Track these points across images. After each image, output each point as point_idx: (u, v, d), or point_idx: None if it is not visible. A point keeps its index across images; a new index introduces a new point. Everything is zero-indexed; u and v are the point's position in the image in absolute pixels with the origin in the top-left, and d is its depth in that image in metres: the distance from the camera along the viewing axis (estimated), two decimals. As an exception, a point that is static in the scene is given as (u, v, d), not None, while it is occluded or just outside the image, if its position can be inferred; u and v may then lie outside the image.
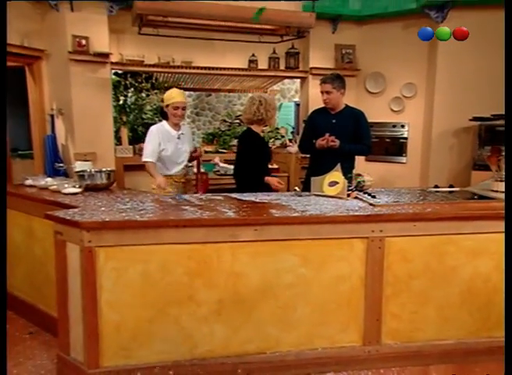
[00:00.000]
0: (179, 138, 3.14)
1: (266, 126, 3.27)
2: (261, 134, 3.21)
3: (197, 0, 3.72)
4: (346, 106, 3.40)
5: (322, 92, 3.27)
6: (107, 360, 2.01)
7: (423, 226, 2.18)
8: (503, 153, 2.78)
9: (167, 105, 3.07)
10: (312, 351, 2.17)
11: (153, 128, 3.13)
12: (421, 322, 2.25)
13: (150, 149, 3.01)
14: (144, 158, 3.03)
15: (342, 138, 3.21)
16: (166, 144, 3.07)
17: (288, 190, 3.71)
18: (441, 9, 4.66)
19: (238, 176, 3.20)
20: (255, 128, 3.16)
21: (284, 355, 2.15)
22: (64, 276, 2.06)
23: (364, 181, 2.71)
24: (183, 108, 3.10)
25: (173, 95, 3.06)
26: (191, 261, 2.03)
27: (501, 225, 2.19)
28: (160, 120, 3.31)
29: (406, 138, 5.36)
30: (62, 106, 4.66)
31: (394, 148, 5.46)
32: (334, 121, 3.31)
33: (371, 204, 2.33)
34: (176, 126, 3.14)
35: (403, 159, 5.41)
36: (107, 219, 1.97)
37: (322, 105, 3.44)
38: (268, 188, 3.04)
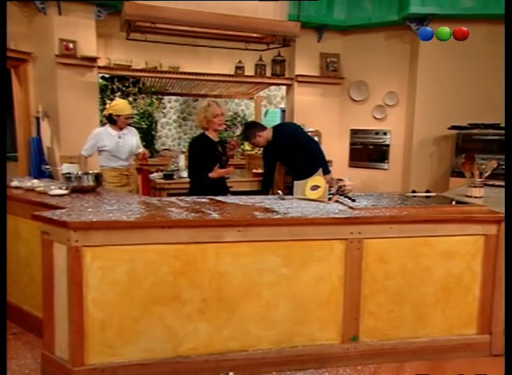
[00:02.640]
0: (119, 138, 3.76)
1: (218, 131, 3.36)
2: (215, 139, 3.31)
3: (187, 0, 3.79)
4: (274, 129, 3.79)
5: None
6: (92, 358, 2.04)
7: (399, 228, 2.28)
8: (476, 160, 2.93)
9: (118, 115, 3.72)
10: (292, 349, 2.24)
11: (95, 130, 3.83)
12: (397, 320, 2.34)
13: (86, 146, 3.73)
14: (81, 152, 3.75)
15: (292, 157, 3.72)
16: (106, 141, 3.70)
17: (272, 193, 3.80)
18: (421, 22, 4.84)
19: (190, 178, 3.38)
20: (208, 133, 3.28)
21: (265, 352, 2.21)
22: (50, 275, 2.09)
23: (344, 186, 2.81)
24: (131, 118, 4.03)
25: (126, 108, 3.80)
26: (176, 261, 2.08)
27: (472, 228, 2.34)
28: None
29: (388, 145, 5.53)
30: (48, 109, 4.68)
31: (377, 154, 5.62)
32: (276, 148, 3.76)
33: (350, 207, 2.42)
34: (120, 128, 3.80)
35: (386, 166, 5.58)
36: (94, 220, 2.02)
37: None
38: (216, 191, 3.06)
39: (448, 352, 2.36)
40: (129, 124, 3.89)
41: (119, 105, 3.81)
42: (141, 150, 3.99)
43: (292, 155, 3.74)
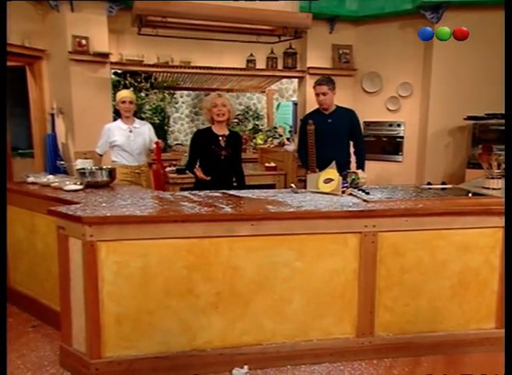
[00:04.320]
0: (130, 132, 3.64)
1: (220, 123, 3.24)
2: (219, 132, 3.23)
3: (197, 0, 3.78)
4: (338, 106, 3.56)
5: (318, 94, 3.44)
6: (108, 351, 2.07)
7: (415, 221, 2.24)
8: (494, 151, 2.86)
9: (117, 103, 3.65)
10: (307, 343, 2.24)
11: (106, 125, 3.71)
12: (413, 314, 2.31)
13: (99, 143, 3.68)
14: (95, 149, 3.72)
15: (338, 137, 3.46)
16: (116, 136, 3.60)
17: (285, 187, 3.77)
18: (436, 10, 4.73)
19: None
20: (214, 126, 3.27)
21: (280, 346, 2.21)
22: (66, 269, 2.12)
23: (358, 178, 2.78)
24: (130, 102, 3.66)
25: (120, 93, 3.71)
26: (190, 255, 2.09)
27: (490, 220, 2.29)
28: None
29: (402, 137, 5.44)
30: (62, 105, 4.72)
31: (391, 146, 5.53)
32: (330, 121, 3.47)
33: (364, 200, 2.39)
34: (128, 119, 3.67)
35: (400, 158, 5.49)
36: (108, 214, 2.03)
37: (315, 108, 3.62)
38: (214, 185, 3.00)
39: (465, 347, 2.33)
40: (141, 118, 3.83)
41: (117, 94, 3.75)
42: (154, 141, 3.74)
43: (331, 140, 3.39)
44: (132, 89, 6.57)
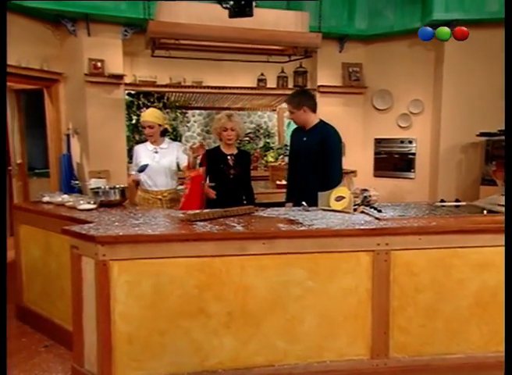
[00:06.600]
0: (156, 152, 3.41)
1: (229, 144, 3.31)
2: (228, 152, 3.29)
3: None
4: (320, 122, 3.17)
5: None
6: (119, 372, 2.05)
7: (428, 239, 2.21)
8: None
9: (143, 127, 3.46)
10: (320, 364, 2.19)
11: (135, 146, 3.64)
12: (429, 336, 2.25)
13: (132, 165, 3.57)
14: (131, 172, 3.63)
15: (308, 157, 3.12)
16: (142, 157, 3.41)
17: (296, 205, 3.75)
18: (445, 28, 4.75)
19: None
20: (222, 145, 3.36)
21: (292, 367, 2.17)
22: (79, 288, 2.13)
23: (370, 196, 2.76)
24: (150, 127, 3.35)
25: (143, 115, 3.49)
26: (201, 274, 2.08)
27: (506, 238, 2.23)
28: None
29: (414, 154, 5.42)
30: (77, 126, 4.83)
31: (402, 163, 5.51)
32: (305, 139, 3.15)
33: (376, 218, 2.37)
34: (155, 142, 3.43)
35: (412, 175, 5.45)
36: (120, 234, 2.05)
37: None
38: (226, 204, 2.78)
39: (485, 370, 2.25)
40: (163, 135, 3.47)
41: (142, 114, 3.55)
42: (185, 160, 3.23)
43: (303, 160, 3.14)
44: (145, 109, 6.67)
